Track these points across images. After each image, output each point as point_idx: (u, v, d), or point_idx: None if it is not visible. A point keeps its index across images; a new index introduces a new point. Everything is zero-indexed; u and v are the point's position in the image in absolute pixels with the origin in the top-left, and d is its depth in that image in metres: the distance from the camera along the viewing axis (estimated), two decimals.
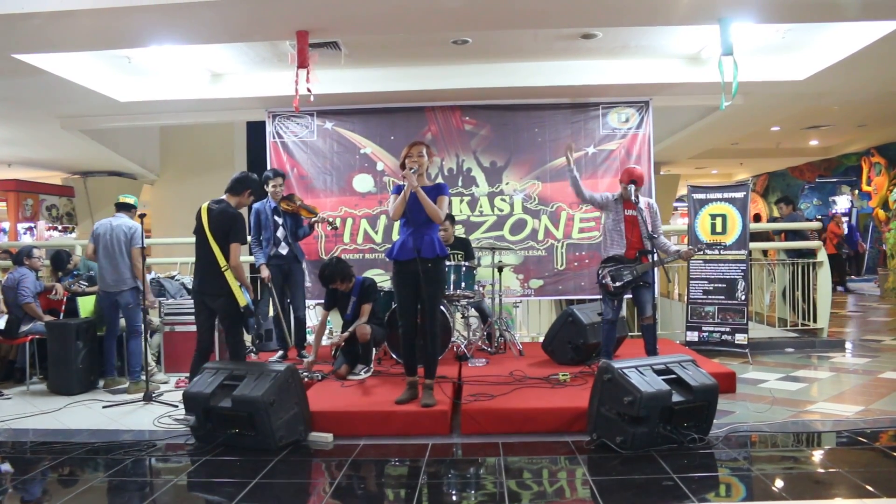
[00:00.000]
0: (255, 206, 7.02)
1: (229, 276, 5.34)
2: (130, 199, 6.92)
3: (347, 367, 6.15)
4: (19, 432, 5.19)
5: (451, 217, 7.36)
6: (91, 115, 8.79)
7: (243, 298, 5.35)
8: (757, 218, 17.49)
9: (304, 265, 7.41)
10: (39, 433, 5.15)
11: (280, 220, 6.95)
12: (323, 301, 6.61)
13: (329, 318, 9.66)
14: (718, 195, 7.75)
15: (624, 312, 7.18)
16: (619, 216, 5.97)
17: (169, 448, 4.78)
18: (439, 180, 8.26)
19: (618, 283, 5.80)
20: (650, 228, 5.88)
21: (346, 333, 6.16)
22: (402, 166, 5.13)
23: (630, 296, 6.02)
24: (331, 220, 7.25)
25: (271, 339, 7.57)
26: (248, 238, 6.86)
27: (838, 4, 5.40)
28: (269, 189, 6.95)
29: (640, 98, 8.20)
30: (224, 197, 5.55)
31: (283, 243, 6.93)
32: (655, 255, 5.85)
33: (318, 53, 6.79)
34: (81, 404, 6.06)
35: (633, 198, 5.88)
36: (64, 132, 9.20)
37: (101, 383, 6.65)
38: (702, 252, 6.97)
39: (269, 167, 8.24)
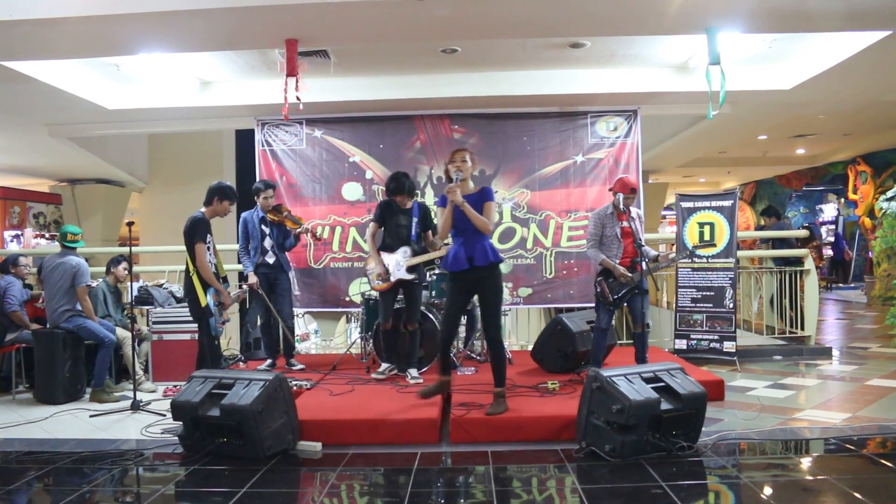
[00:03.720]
0: (243, 215, 7.05)
1: (195, 277, 5.53)
2: (77, 235, 6.90)
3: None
4: (5, 442, 5.14)
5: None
6: (79, 122, 8.74)
7: (204, 298, 5.49)
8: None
9: (291, 274, 7.40)
10: (25, 443, 5.12)
11: (267, 230, 6.96)
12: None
13: (317, 327, 9.68)
14: (706, 203, 7.79)
15: (613, 321, 7.22)
16: (614, 228, 5.99)
17: (157, 457, 4.75)
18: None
19: (616, 294, 5.87)
20: (640, 237, 5.97)
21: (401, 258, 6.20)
22: (447, 175, 5.14)
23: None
24: (315, 231, 7.26)
25: (259, 347, 7.56)
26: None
27: (823, 15, 5.44)
28: (260, 200, 6.96)
29: (629, 107, 8.23)
30: (202, 209, 5.72)
31: (269, 252, 6.92)
32: (645, 263, 5.89)
33: (308, 62, 6.78)
34: (68, 413, 6.02)
35: (621, 206, 5.94)
36: (52, 139, 9.15)
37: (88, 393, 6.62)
38: (689, 258, 7.09)
39: (258, 175, 8.24)
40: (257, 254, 6.91)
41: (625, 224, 5.99)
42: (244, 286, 6.81)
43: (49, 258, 6.71)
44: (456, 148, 5.29)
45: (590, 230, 6.12)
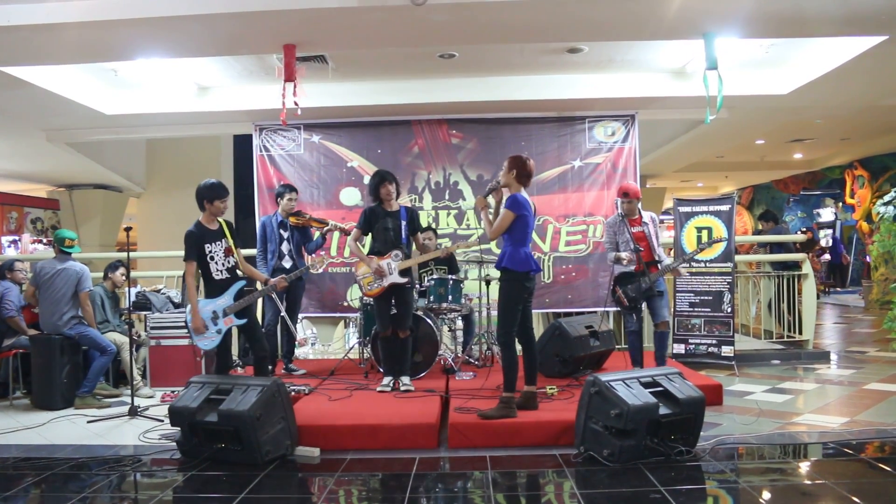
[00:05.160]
0: (262, 219, 7.11)
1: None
2: (74, 241, 6.89)
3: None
4: (2, 448, 5.12)
5: (432, 229, 7.35)
6: (77, 127, 8.74)
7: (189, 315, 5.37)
8: None
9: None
10: (22, 449, 5.09)
11: (286, 234, 6.95)
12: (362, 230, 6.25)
13: (315, 331, 9.66)
14: (704, 208, 7.80)
15: (611, 325, 7.26)
16: (625, 233, 6.15)
17: (154, 463, 4.75)
18: (425, 195, 8.30)
19: (631, 298, 6.05)
20: (656, 240, 6.19)
21: (388, 260, 6.07)
22: None
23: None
24: (342, 226, 7.17)
25: None
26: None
27: (820, 20, 5.46)
28: (283, 203, 6.97)
29: (626, 112, 8.25)
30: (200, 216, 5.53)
31: (286, 257, 6.90)
32: (660, 265, 6.15)
33: (306, 67, 6.80)
34: (66, 419, 6.00)
35: (620, 210, 6.15)
36: (49, 145, 9.14)
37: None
38: (688, 264, 7.12)
39: (255, 181, 8.26)
40: (274, 258, 6.89)
41: (636, 229, 6.17)
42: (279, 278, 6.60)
43: (46, 264, 6.68)
44: None
45: (605, 237, 6.35)
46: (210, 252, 5.37)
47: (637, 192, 6.28)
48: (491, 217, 5.33)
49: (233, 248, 5.50)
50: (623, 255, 6.07)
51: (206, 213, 5.45)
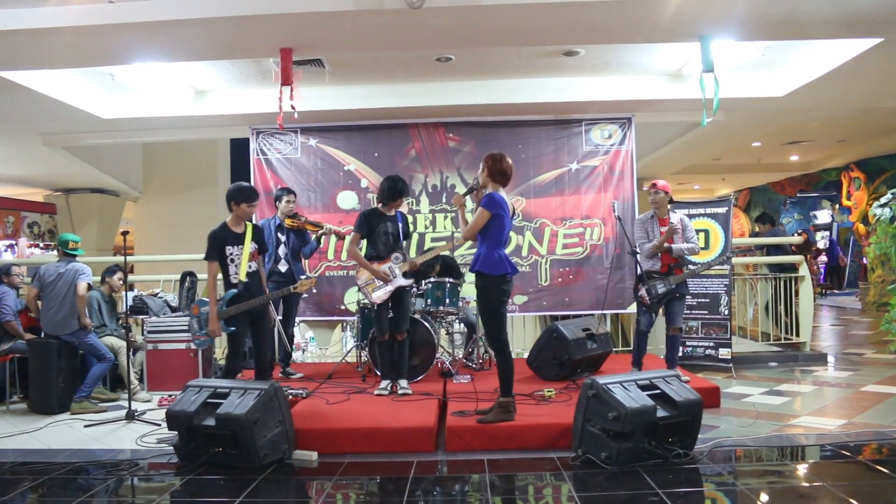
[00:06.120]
0: (261, 222, 7.09)
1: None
2: (78, 243, 6.92)
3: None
4: None
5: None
6: (74, 131, 8.73)
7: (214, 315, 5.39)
8: None
9: None
10: (19, 453, 5.09)
11: (283, 238, 6.94)
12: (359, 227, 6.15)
13: (312, 335, 9.65)
14: (701, 210, 7.81)
15: (608, 328, 7.26)
16: (655, 234, 6.22)
17: (152, 467, 4.74)
18: (422, 197, 8.29)
19: (654, 298, 6.08)
20: (686, 240, 6.23)
21: (391, 265, 6.04)
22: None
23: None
24: (337, 231, 7.10)
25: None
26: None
27: (815, 22, 5.47)
28: (282, 205, 6.98)
29: (623, 114, 8.26)
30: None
31: (282, 261, 6.89)
32: (686, 267, 6.26)
33: (302, 71, 6.79)
34: (63, 423, 5.99)
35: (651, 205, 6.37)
36: (46, 149, 9.14)
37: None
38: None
39: (252, 184, 8.24)
40: (271, 261, 6.88)
41: (664, 229, 6.22)
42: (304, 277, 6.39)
43: (49, 266, 6.66)
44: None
45: (635, 235, 6.39)
46: (230, 254, 5.39)
47: (665, 186, 6.34)
48: (469, 217, 5.25)
49: (255, 253, 5.50)
50: (666, 244, 6.10)
51: (232, 217, 5.48)
